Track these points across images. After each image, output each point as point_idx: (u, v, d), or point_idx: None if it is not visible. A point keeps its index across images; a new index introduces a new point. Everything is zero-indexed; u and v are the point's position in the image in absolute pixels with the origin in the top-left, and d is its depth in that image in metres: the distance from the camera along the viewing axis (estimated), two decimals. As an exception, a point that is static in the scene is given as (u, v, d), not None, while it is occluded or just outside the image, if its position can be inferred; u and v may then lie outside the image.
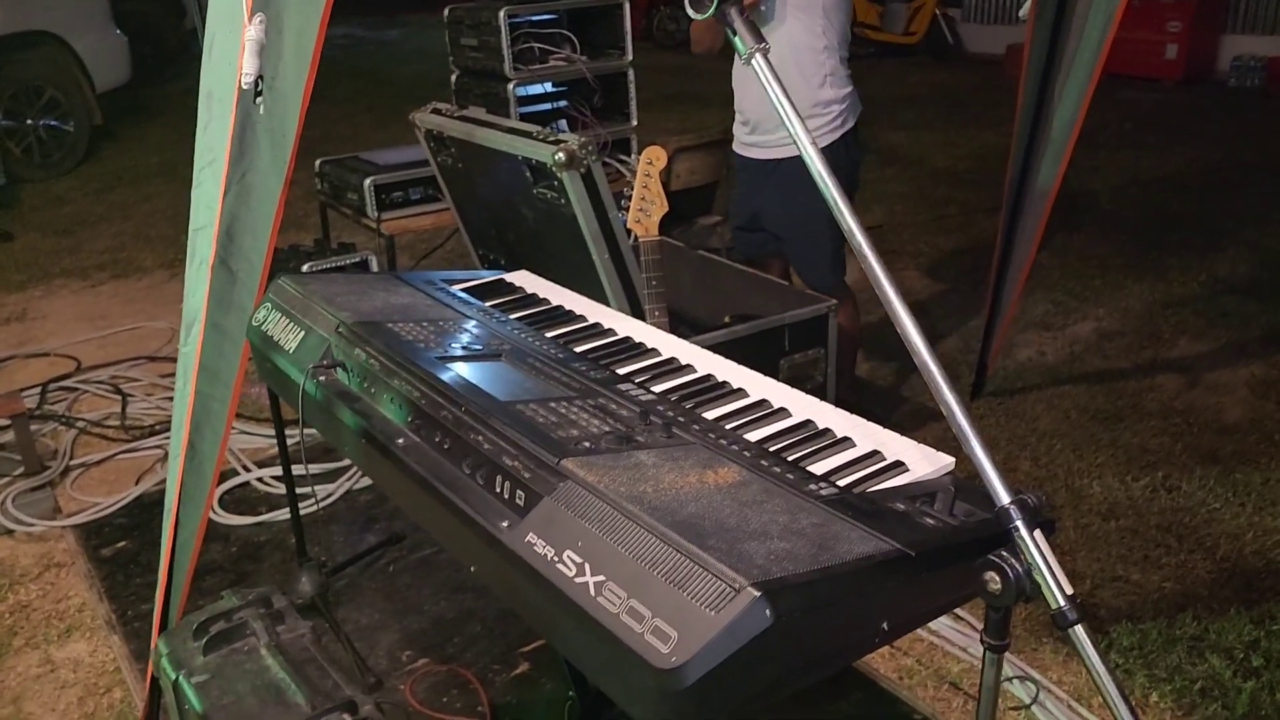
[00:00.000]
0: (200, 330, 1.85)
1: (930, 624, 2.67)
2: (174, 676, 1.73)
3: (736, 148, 3.51)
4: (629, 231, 2.65)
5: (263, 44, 1.53)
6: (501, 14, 4.02)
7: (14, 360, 4.56)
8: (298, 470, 2.71)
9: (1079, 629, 0.92)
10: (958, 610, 2.68)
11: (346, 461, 3.49)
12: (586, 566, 1.01)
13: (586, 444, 1.18)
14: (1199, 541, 2.99)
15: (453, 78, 4.52)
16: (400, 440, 1.30)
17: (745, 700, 0.96)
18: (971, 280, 4.91)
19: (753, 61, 1.11)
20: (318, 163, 4.41)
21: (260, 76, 1.55)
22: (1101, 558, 2.94)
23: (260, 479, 3.45)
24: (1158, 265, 5.07)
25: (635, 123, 4.44)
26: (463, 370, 1.38)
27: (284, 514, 3.23)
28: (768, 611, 0.89)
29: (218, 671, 1.72)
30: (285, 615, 1.84)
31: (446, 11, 4.43)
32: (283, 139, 1.74)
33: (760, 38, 1.10)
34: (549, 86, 4.45)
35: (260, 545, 3.13)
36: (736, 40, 1.12)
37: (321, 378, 1.47)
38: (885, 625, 1.01)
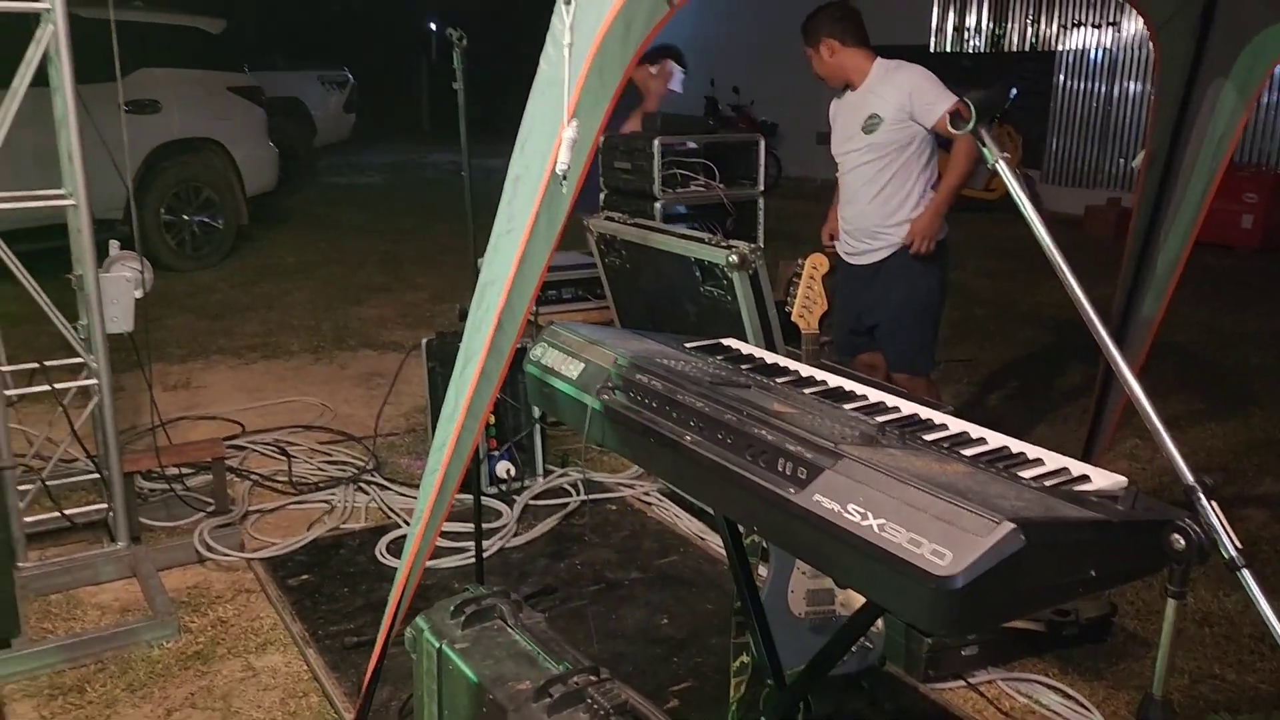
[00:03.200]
0: (476, 372, 2.28)
1: (1041, 699, 2.94)
2: (438, 645, 2.08)
3: (844, 258, 3.99)
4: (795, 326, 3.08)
5: (575, 141, 2.00)
6: (656, 143, 4.59)
7: (184, 421, 5.05)
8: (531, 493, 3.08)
9: (1245, 572, 1.26)
10: (1065, 688, 2.95)
11: (500, 522, 3.88)
12: (869, 514, 1.37)
13: (848, 439, 1.56)
14: (1291, 652, 3.23)
15: (600, 196, 5.08)
16: (688, 437, 1.68)
17: (995, 609, 1.31)
18: (1062, 411, 5.25)
19: (998, 165, 1.53)
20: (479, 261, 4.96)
21: (570, 166, 2.01)
22: (1199, 658, 3.18)
23: (422, 532, 3.84)
24: (1240, 411, 5.37)
25: (763, 245, 4.94)
26: (728, 390, 1.78)
27: (446, 561, 3.61)
28: (1022, 537, 1.25)
29: (475, 641, 2.07)
30: (522, 606, 2.20)
31: (602, 139, 5.02)
32: (556, 218, 2.19)
33: (1004, 148, 1.53)
34: (684, 208, 4.99)
35: (427, 587, 3.48)
36: (985, 151, 1.55)
37: (606, 396, 1.88)
38: (1093, 572, 1.35)
